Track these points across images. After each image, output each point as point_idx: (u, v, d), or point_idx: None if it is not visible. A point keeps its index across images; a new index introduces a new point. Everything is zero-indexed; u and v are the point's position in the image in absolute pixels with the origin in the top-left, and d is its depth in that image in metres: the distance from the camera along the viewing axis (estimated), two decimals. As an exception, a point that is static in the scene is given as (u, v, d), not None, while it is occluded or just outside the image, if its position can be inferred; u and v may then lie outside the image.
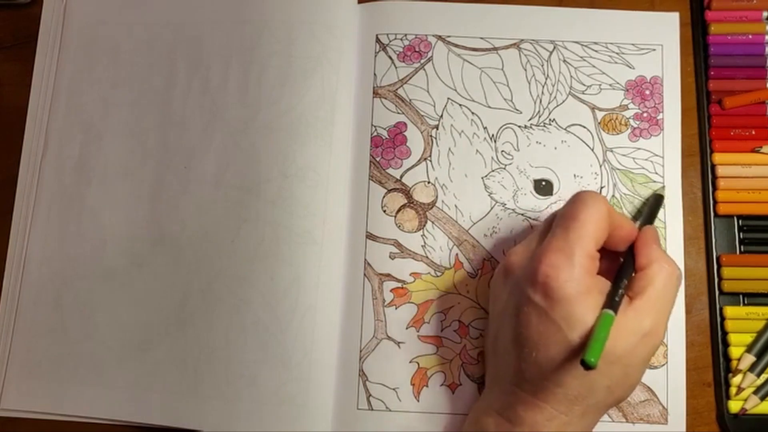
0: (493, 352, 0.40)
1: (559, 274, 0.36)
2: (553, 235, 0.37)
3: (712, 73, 0.48)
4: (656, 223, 0.46)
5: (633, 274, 0.38)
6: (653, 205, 0.45)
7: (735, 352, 0.45)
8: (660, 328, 0.37)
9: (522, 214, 0.47)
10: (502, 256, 0.47)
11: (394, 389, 0.45)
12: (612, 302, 0.36)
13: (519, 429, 0.37)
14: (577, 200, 0.38)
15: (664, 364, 0.45)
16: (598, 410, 0.38)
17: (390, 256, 0.47)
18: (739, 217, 0.47)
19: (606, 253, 0.39)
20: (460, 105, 0.49)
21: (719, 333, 0.46)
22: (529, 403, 0.37)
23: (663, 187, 0.47)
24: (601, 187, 0.47)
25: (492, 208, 0.47)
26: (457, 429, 0.44)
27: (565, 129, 0.48)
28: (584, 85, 0.48)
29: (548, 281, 0.36)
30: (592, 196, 0.38)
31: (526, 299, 0.37)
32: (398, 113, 0.49)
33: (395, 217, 0.47)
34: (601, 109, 0.48)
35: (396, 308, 0.46)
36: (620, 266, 0.39)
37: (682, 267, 0.46)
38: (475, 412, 0.40)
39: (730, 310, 0.46)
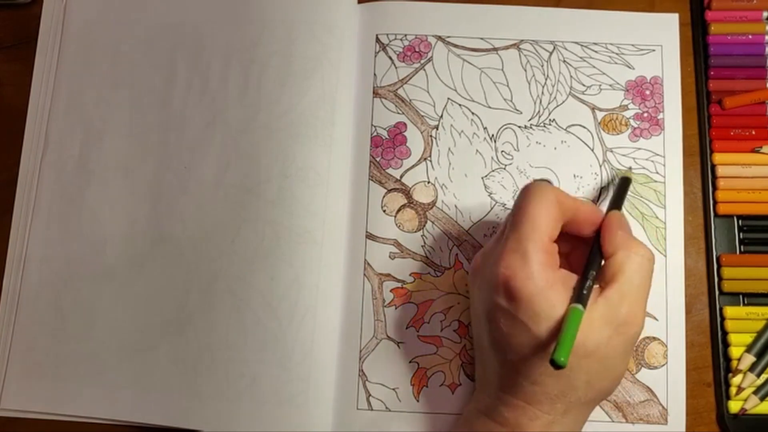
0: (478, 356, 0.41)
1: (517, 274, 0.35)
2: (505, 236, 0.37)
3: (712, 73, 0.48)
4: (656, 223, 0.46)
5: (602, 263, 0.37)
6: (620, 188, 0.44)
7: (735, 352, 0.45)
8: (637, 316, 0.35)
9: (522, 214, 0.47)
10: None
11: (393, 389, 0.45)
12: (580, 295, 0.35)
13: (504, 430, 0.37)
14: (522, 195, 0.37)
15: (664, 364, 0.45)
16: (583, 406, 0.37)
17: (390, 256, 0.47)
18: (739, 217, 0.47)
19: (577, 242, 0.39)
20: (460, 105, 0.49)
21: (719, 333, 0.46)
22: (512, 404, 0.37)
23: (630, 169, 0.47)
24: (601, 188, 0.47)
25: (492, 208, 0.47)
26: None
27: (565, 129, 0.48)
28: (584, 85, 0.49)
29: (508, 282, 0.35)
30: (537, 187, 0.37)
31: (492, 303, 0.37)
32: (398, 113, 0.49)
33: (395, 217, 0.47)
34: (601, 110, 0.48)
35: (396, 308, 0.46)
36: (588, 257, 0.38)
37: (682, 267, 0.46)
38: (467, 414, 0.41)
39: (730, 310, 0.46)
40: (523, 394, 0.36)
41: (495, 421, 0.38)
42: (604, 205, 0.47)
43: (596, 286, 0.36)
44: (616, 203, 0.42)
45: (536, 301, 0.35)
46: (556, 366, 0.32)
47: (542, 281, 0.35)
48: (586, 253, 0.38)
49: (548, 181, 0.47)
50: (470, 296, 0.42)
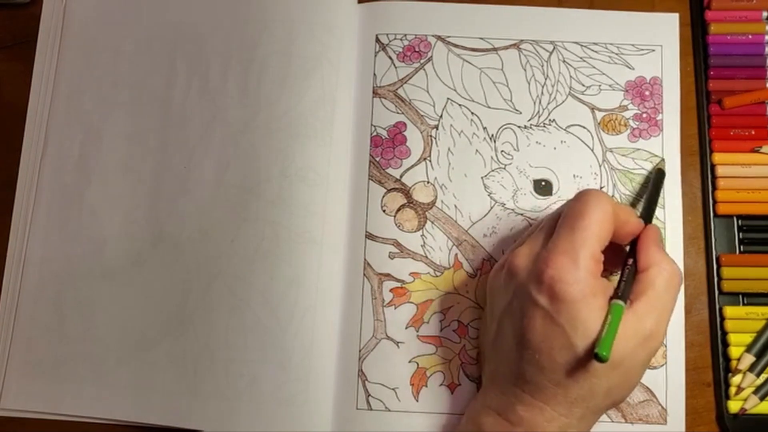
0: (493, 351, 0.40)
1: (564, 277, 0.36)
2: (558, 237, 0.37)
3: (711, 73, 0.48)
4: (656, 223, 0.46)
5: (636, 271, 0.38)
6: (655, 184, 0.45)
7: (734, 352, 0.45)
8: (660, 331, 0.37)
9: (521, 214, 0.47)
10: (501, 256, 0.47)
11: (393, 389, 0.45)
12: (621, 294, 0.36)
13: (518, 429, 0.37)
14: (582, 200, 0.38)
15: (663, 364, 0.45)
16: (597, 412, 0.38)
17: (389, 256, 0.47)
18: (739, 217, 0.47)
19: (609, 245, 0.39)
20: (460, 105, 0.49)
21: (719, 333, 0.46)
22: (530, 403, 0.37)
23: (663, 160, 0.47)
24: (601, 187, 0.47)
25: (491, 208, 0.47)
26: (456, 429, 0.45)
27: (564, 129, 0.48)
28: (584, 85, 0.49)
29: (554, 284, 0.36)
30: (597, 196, 0.38)
31: (531, 302, 0.37)
32: (398, 113, 0.49)
33: (395, 216, 0.47)
34: (600, 110, 0.48)
35: (395, 308, 0.46)
36: (625, 262, 0.39)
37: (681, 267, 0.46)
38: (473, 411, 0.40)
39: (729, 310, 0.46)
40: (543, 395, 0.37)
41: (508, 420, 0.38)
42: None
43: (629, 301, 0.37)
44: (653, 199, 0.44)
45: (578, 307, 0.35)
46: (600, 359, 0.33)
47: (587, 288, 0.36)
48: (610, 256, 0.39)
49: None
50: (492, 290, 0.42)
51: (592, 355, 0.34)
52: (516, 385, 0.38)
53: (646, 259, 0.38)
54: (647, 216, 0.43)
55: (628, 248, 0.40)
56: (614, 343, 0.34)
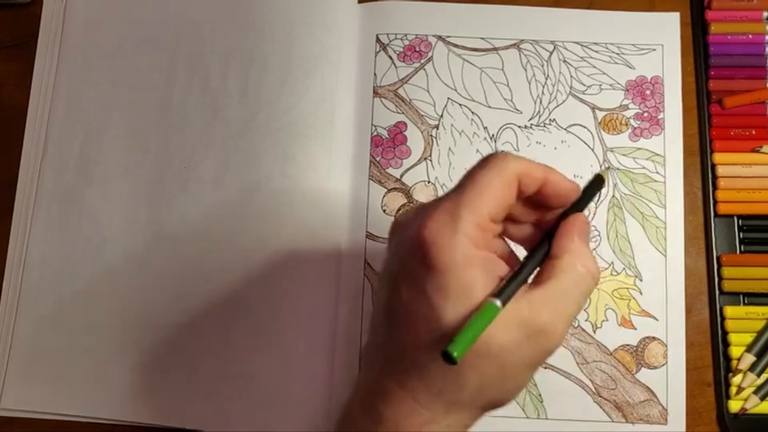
0: (371, 330, 0.35)
1: (438, 240, 0.29)
2: (443, 198, 0.31)
3: (712, 73, 0.48)
4: (657, 222, 0.46)
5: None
6: (591, 185, 0.34)
7: (735, 351, 0.45)
8: (557, 330, 0.30)
9: (522, 214, 0.47)
10: None
11: (394, 389, 0.45)
12: (503, 290, 0.29)
13: (379, 428, 0.31)
14: (482, 162, 0.31)
15: (663, 364, 0.45)
16: (467, 410, 0.31)
17: (390, 256, 0.47)
18: (739, 216, 0.47)
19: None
20: (461, 105, 0.49)
21: (719, 333, 0.46)
22: (390, 392, 0.31)
23: (608, 168, 0.47)
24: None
25: (492, 208, 0.47)
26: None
27: (565, 129, 0.48)
28: (584, 85, 0.48)
29: (426, 247, 0.29)
30: (500, 157, 0.31)
31: (400, 265, 0.31)
32: (398, 113, 0.49)
33: (395, 216, 0.47)
34: (601, 109, 0.48)
35: (396, 308, 0.46)
36: (531, 250, 0.32)
37: (682, 267, 0.46)
38: (347, 407, 0.34)
39: (730, 310, 0.46)
40: (404, 378, 0.31)
41: (368, 413, 0.32)
42: (602, 205, 0.47)
43: (526, 285, 0.30)
44: (584, 200, 0.34)
45: (448, 278, 0.29)
46: (447, 359, 0.27)
47: (462, 256, 0.29)
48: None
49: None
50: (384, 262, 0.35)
51: (441, 352, 0.27)
52: (380, 366, 0.32)
53: (560, 246, 0.31)
54: (578, 205, 0.33)
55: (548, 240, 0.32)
56: (494, 329, 0.28)
